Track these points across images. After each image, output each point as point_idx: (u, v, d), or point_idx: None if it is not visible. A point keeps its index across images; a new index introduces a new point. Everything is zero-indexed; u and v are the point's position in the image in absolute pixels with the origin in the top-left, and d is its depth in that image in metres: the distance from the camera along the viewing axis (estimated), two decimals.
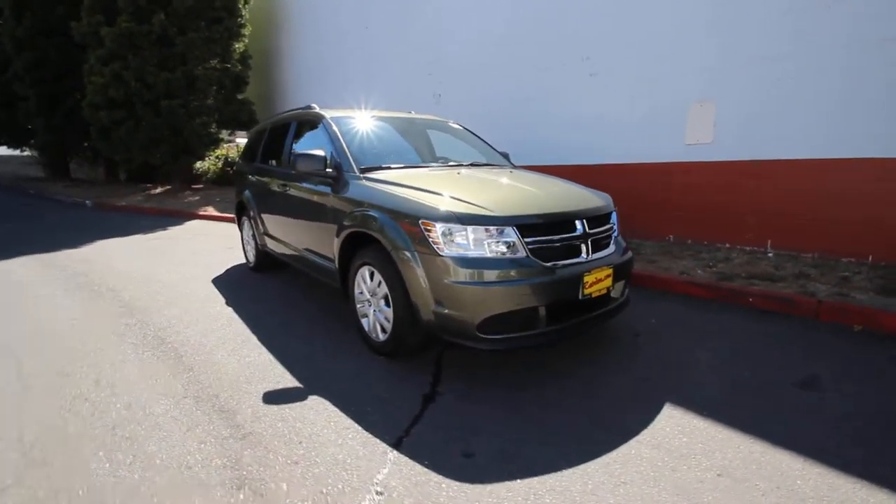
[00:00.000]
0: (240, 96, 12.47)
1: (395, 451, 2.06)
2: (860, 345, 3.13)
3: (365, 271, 2.98)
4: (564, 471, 1.93)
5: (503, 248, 2.49)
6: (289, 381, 2.72)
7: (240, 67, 12.21)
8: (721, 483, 1.86)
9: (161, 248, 6.72)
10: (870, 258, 4.40)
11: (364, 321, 3.11)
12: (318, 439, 2.16)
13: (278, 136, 4.48)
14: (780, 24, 4.70)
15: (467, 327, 2.45)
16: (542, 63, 6.82)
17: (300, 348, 3.15)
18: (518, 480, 1.87)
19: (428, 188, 2.83)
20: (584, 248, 2.72)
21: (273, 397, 2.53)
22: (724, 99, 5.15)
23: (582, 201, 2.93)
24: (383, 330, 2.91)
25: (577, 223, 2.72)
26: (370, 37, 9.98)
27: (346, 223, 3.09)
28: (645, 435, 2.17)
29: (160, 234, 7.81)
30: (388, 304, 2.80)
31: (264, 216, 4.67)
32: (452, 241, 2.48)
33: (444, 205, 2.60)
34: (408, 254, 2.59)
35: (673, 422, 2.27)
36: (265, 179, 4.56)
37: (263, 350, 3.13)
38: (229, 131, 13.65)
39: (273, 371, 2.83)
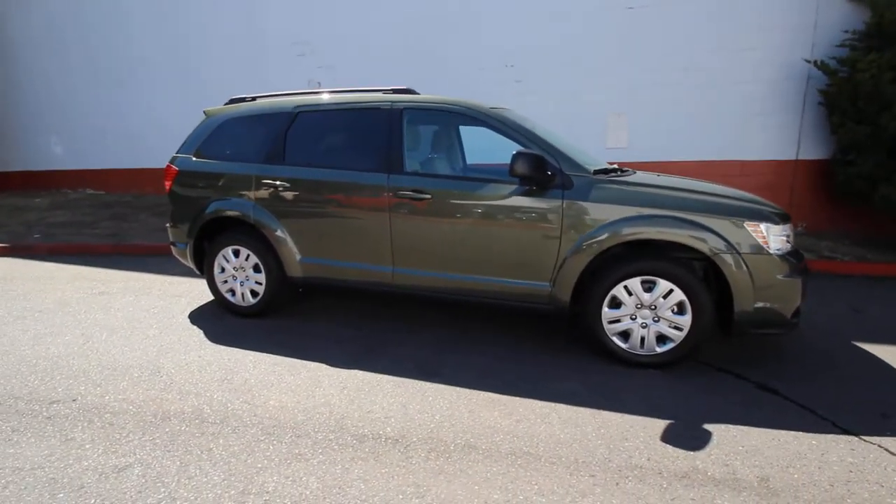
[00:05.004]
0: None
1: (856, 437, 2.18)
2: (826, 282, 4.68)
3: (635, 284, 2.74)
4: None
5: (789, 242, 2.81)
6: (651, 425, 2.30)
7: None
8: None
9: None
10: None
11: (616, 339, 2.86)
12: (807, 458, 2.05)
13: (353, 129, 3.40)
14: (672, 58, 6.28)
15: (782, 317, 2.68)
16: (465, 66, 6.86)
17: (570, 390, 2.63)
18: None
19: (702, 190, 2.93)
20: None
21: (682, 439, 2.16)
22: (636, 112, 6.50)
23: None
24: (661, 341, 2.79)
25: None
26: None
27: (597, 234, 2.76)
28: None
29: None
30: (679, 312, 2.71)
31: (311, 234, 3.40)
32: (773, 239, 2.65)
33: (754, 204, 2.76)
34: (732, 256, 2.61)
35: None
36: (326, 185, 3.32)
37: (559, 407, 2.48)
38: None
39: (621, 423, 2.33)
